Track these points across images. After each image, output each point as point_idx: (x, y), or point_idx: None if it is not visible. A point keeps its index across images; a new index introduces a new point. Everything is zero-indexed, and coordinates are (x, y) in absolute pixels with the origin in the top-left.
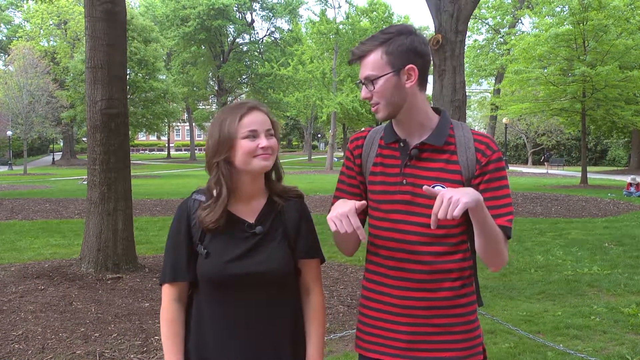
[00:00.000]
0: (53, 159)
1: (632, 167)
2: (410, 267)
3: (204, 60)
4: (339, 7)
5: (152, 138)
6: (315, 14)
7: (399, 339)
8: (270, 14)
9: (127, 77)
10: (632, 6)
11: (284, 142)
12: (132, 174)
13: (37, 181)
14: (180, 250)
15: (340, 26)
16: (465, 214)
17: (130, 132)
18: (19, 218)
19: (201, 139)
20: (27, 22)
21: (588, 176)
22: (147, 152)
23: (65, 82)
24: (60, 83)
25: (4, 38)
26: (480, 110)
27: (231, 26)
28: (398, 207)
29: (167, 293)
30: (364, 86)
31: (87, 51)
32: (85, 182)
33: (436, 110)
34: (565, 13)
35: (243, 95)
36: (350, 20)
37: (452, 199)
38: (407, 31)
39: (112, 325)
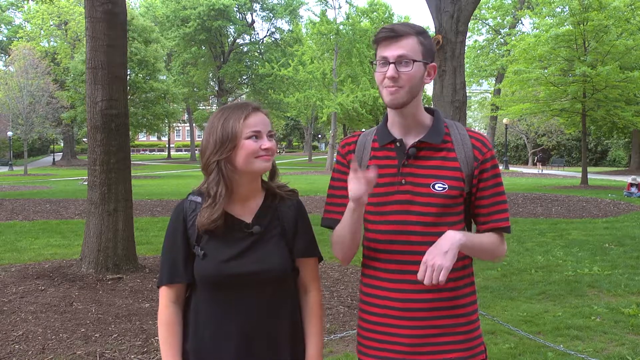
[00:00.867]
0: (53, 159)
1: (632, 168)
2: (412, 269)
3: (204, 61)
4: (340, 7)
5: (153, 139)
6: (316, 15)
7: (402, 342)
8: (270, 14)
9: (128, 77)
10: (633, 7)
11: (284, 143)
12: (132, 174)
13: (38, 182)
14: (177, 252)
15: (341, 27)
16: (464, 212)
17: (130, 133)
18: (20, 218)
19: (201, 139)
20: (28, 22)
21: (588, 177)
22: (147, 152)
23: (66, 82)
24: (60, 84)
25: (5, 39)
26: (481, 110)
27: (231, 27)
28: (397, 207)
29: (165, 295)
30: (391, 65)
31: (88, 52)
32: (86, 183)
33: (428, 110)
34: (565, 13)
35: (243, 96)
36: (350, 20)
37: (435, 266)
38: (426, 32)
39: (113, 326)
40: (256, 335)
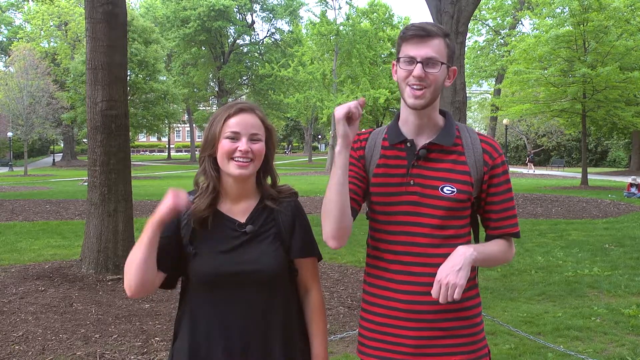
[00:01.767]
0: (53, 160)
1: (632, 168)
2: (417, 271)
3: (205, 62)
4: (340, 8)
5: (153, 139)
6: (316, 15)
7: (406, 344)
8: (270, 15)
9: (128, 78)
10: (633, 7)
11: (284, 144)
12: (132, 175)
13: (38, 182)
14: (162, 242)
15: (341, 27)
16: (470, 210)
17: (130, 134)
18: (20, 219)
19: (201, 140)
20: (28, 23)
21: (588, 177)
22: (147, 153)
23: (66, 83)
24: (60, 84)
25: (5, 39)
26: (481, 111)
27: (231, 27)
28: (405, 208)
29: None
30: (419, 65)
31: (88, 52)
32: (86, 184)
33: (440, 112)
34: (565, 14)
35: (244, 97)
36: (350, 21)
37: (449, 284)
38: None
39: (113, 327)
40: (250, 334)
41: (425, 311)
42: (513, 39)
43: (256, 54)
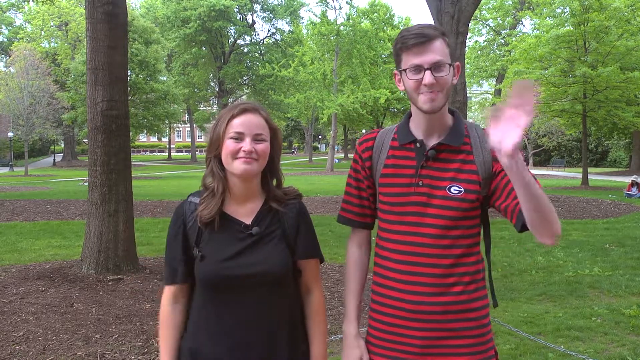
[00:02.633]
0: (54, 160)
1: (633, 169)
2: (425, 271)
3: (205, 62)
4: (340, 8)
5: (153, 139)
6: (316, 15)
7: (413, 344)
8: (271, 15)
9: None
10: (633, 7)
11: (285, 144)
12: (133, 175)
13: (38, 182)
14: (177, 253)
15: (341, 27)
16: (481, 209)
17: (131, 134)
18: (20, 219)
19: (202, 140)
20: (28, 23)
21: (589, 177)
22: (147, 153)
23: (66, 83)
24: (61, 84)
25: (5, 39)
26: (481, 111)
27: (232, 27)
28: (413, 209)
29: (166, 294)
30: (427, 72)
31: (88, 53)
32: (86, 184)
33: (449, 111)
34: (566, 14)
35: (244, 97)
36: (351, 21)
37: (512, 123)
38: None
39: (113, 327)
40: (254, 336)
41: (432, 312)
42: (514, 39)
43: (257, 54)
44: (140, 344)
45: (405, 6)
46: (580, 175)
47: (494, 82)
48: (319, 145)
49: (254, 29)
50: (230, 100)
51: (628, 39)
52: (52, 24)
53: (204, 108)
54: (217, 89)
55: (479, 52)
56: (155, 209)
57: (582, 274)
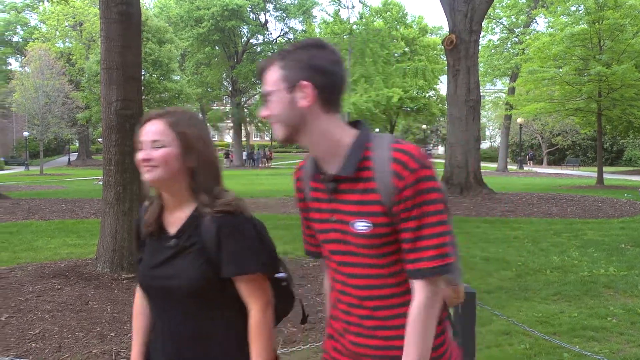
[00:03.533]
0: (69, 159)
1: None
2: (358, 313)
3: (218, 61)
4: (353, 7)
5: None
6: (329, 15)
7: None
8: (283, 14)
9: (142, 78)
10: None
11: None
12: None
13: (53, 181)
14: (136, 253)
15: (354, 27)
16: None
17: None
18: (36, 218)
19: (215, 139)
20: (43, 23)
21: (604, 176)
22: None
23: (81, 83)
24: (75, 84)
25: (21, 40)
26: (495, 110)
27: (245, 27)
28: (335, 247)
29: (138, 289)
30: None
31: (102, 52)
32: (101, 183)
33: (355, 124)
34: (580, 12)
35: (257, 96)
36: (364, 20)
37: None
38: (311, 45)
39: (128, 325)
40: (184, 343)
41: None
42: (527, 37)
43: (269, 53)
44: None
45: (418, 5)
46: (595, 175)
47: (508, 81)
48: None
49: (267, 28)
50: (244, 99)
51: None
52: (66, 24)
53: (217, 107)
54: (230, 88)
55: (492, 51)
56: None
57: (597, 273)
